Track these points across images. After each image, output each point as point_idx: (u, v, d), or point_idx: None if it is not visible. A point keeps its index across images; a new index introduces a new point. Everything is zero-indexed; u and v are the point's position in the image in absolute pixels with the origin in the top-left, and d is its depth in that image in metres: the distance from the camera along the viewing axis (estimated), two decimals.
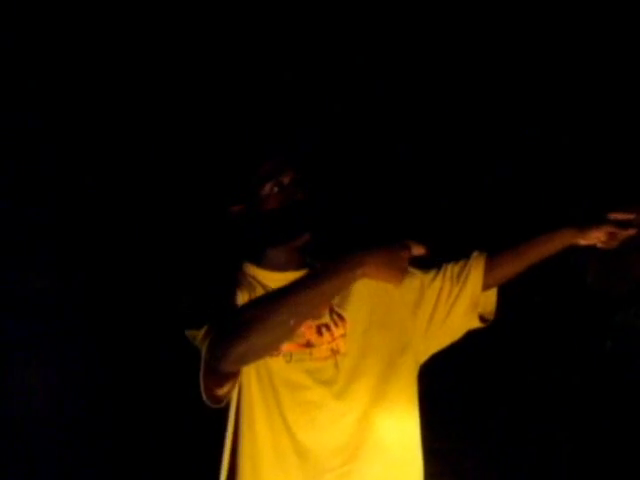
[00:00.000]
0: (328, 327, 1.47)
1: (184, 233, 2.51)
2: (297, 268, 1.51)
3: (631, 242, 2.46)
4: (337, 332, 1.47)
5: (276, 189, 1.47)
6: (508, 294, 2.66)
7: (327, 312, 1.48)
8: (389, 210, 2.54)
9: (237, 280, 1.50)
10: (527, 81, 2.51)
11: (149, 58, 2.46)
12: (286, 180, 1.47)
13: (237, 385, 1.37)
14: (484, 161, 2.59)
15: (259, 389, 1.38)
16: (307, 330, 1.44)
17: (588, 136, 2.50)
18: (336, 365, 1.43)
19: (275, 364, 1.39)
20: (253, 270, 1.52)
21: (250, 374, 1.38)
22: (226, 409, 1.40)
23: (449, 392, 2.33)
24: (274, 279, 1.48)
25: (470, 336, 2.57)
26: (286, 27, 2.42)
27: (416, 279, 1.59)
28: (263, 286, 1.48)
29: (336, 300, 1.49)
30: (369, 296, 1.55)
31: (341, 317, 1.50)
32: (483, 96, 2.53)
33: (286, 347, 1.40)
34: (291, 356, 1.41)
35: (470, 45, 2.47)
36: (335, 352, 1.45)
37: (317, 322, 1.46)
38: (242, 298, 1.44)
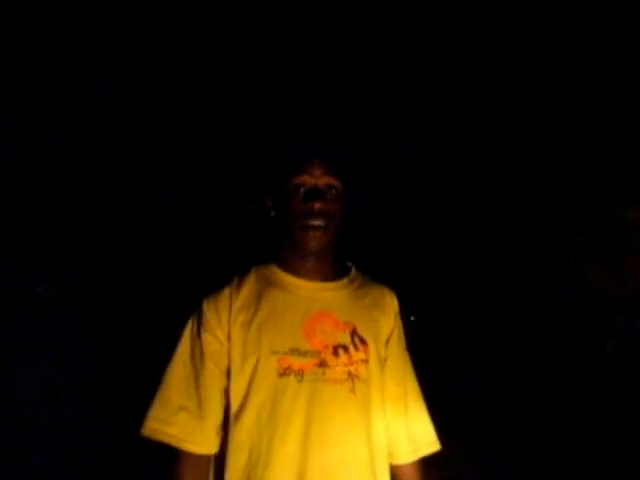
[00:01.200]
0: (346, 349, 1.39)
1: (187, 235, 2.50)
2: (325, 279, 1.43)
3: (630, 245, 2.48)
4: (357, 356, 1.39)
5: (300, 189, 1.41)
6: (510, 297, 2.67)
7: (348, 333, 1.41)
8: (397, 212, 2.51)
9: (254, 278, 1.42)
10: (527, 85, 2.49)
11: (185, 54, 2.42)
12: (310, 182, 1.41)
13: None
14: (484, 163, 2.58)
15: (260, 409, 1.31)
16: (323, 349, 1.36)
17: (587, 139, 2.49)
18: (352, 390, 1.36)
19: (286, 383, 1.32)
20: (277, 272, 1.44)
21: (252, 395, 1.32)
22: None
23: (451, 395, 2.32)
24: (293, 283, 1.42)
25: (473, 338, 2.57)
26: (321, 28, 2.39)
27: (401, 353, 1.56)
28: (281, 287, 1.42)
29: (359, 322, 1.42)
30: (383, 328, 1.52)
31: (363, 341, 1.42)
32: (483, 99, 2.52)
33: (297, 365, 1.33)
34: (302, 375, 1.33)
35: (469, 50, 2.45)
36: (353, 376, 1.37)
37: (334, 342, 1.38)
38: (255, 294, 1.38)
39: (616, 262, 2.50)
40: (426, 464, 1.57)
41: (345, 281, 1.45)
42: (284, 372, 1.31)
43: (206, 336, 1.35)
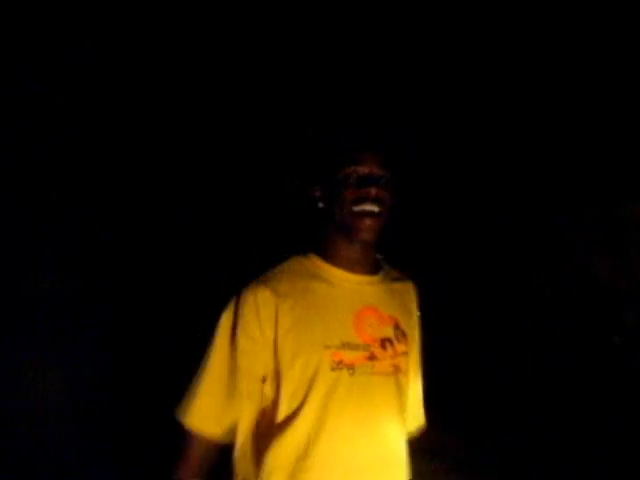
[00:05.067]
0: (391, 342, 1.42)
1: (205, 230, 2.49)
2: (367, 272, 1.45)
3: (636, 240, 2.46)
4: (399, 348, 1.42)
5: (354, 177, 1.42)
6: (516, 290, 2.66)
7: (392, 326, 1.43)
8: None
9: (294, 269, 1.46)
10: (529, 84, 2.48)
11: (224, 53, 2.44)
12: (364, 170, 1.41)
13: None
14: (488, 161, 2.57)
15: (312, 403, 1.31)
16: (372, 343, 1.38)
17: (591, 134, 2.47)
18: (397, 382, 1.40)
19: (338, 377, 1.33)
20: (320, 264, 1.44)
21: (305, 390, 1.32)
22: None
23: (456, 390, 2.33)
24: (338, 276, 1.42)
25: (476, 331, 2.56)
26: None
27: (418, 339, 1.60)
28: (325, 280, 1.42)
29: (399, 316, 1.45)
30: (414, 320, 1.56)
31: (404, 334, 1.45)
32: (485, 97, 2.50)
33: (349, 359, 1.35)
34: (354, 369, 1.35)
35: (468, 49, 2.44)
36: (397, 369, 1.41)
37: (381, 335, 1.40)
38: (297, 287, 1.38)
39: (622, 256, 2.50)
40: (428, 454, 1.59)
41: (382, 274, 1.47)
42: (336, 366, 1.33)
43: (242, 336, 1.35)
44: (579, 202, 2.58)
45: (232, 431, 1.36)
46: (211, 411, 1.35)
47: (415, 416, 1.52)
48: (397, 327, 1.43)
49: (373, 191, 1.36)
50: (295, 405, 1.32)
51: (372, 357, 1.36)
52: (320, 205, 1.43)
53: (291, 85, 2.40)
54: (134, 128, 2.45)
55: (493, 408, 2.51)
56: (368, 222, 1.37)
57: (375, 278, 1.45)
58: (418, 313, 1.56)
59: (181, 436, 1.41)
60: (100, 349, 2.47)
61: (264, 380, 1.35)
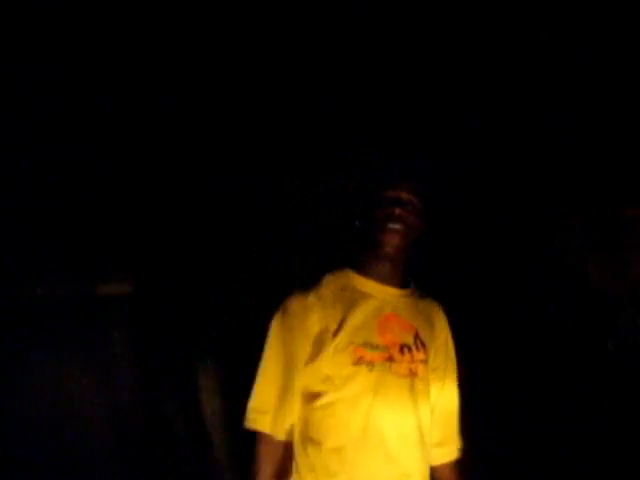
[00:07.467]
0: (410, 349, 1.58)
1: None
2: (395, 286, 1.64)
3: (630, 243, 2.48)
4: (417, 356, 1.58)
5: (386, 199, 1.59)
6: (510, 295, 2.68)
7: (412, 335, 1.60)
8: None
9: (331, 283, 1.63)
10: (527, 86, 2.49)
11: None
12: (395, 194, 1.59)
13: None
14: (483, 163, 2.58)
15: (331, 392, 1.50)
16: (391, 346, 1.55)
17: (586, 137, 2.50)
18: (411, 385, 1.55)
19: (358, 371, 1.49)
20: (354, 276, 1.63)
21: (328, 380, 1.50)
22: None
23: None
24: (368, 285, 1.61)
25: (473, 336, 2.58)
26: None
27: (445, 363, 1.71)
28: (356, 288, 1.61)
29: (420, 327, 1.63)
30: (436, 337, 1.70)
31: (423, 344, 1.62)
32: (483, 99, 2.52)
33: (370, 357, 1.51)
34: (373, 366, 1.51)
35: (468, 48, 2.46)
36: (413, 374, 1.56)
37: (401, 341, 1.57)
38: (333, 296, 1.58)
39: (616, 260, 2.52)
40: None
41: (409, 291, 1.68)
42: (357, 361, 1.50)
43: (295, 333, 1.56)
44: (573, 205, 2.60)
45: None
46: (270, 409, 1.52)
47: (445, 435, 1.69)
48: (417, 336, 1.61)
49: (397, 211, 1.56)
50: (319, 393, 1.50)
51: (390, 358, 1.54)
52: (357, 224, 1.65)
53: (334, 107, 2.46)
54: (150, 131, 2.46)
55: (488, 409, 2.53)
56: (391, 238, 1.59)
57: (402, 292, 1.65)
58: (448, 332, 1.71)
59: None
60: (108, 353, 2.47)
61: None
